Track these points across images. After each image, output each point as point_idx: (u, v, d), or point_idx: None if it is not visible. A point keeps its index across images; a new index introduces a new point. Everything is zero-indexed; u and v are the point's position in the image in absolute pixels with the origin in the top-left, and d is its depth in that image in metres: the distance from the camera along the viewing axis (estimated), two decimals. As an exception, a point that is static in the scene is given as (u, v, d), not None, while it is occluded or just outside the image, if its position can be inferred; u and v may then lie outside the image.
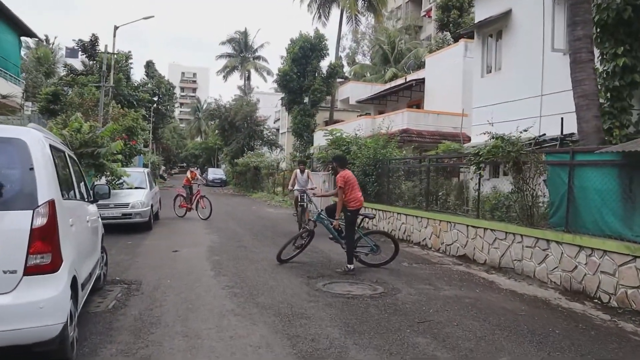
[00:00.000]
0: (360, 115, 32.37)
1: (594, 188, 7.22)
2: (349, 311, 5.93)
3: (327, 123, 37.37)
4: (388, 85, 33.34)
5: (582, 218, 7.44)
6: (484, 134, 8.96)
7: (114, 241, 10.76)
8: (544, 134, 10.23)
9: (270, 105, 51.74)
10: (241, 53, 64.27)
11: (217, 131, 45.86)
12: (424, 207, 11.90)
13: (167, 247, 10.27)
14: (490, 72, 15.80)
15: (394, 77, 39.20)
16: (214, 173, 49.04)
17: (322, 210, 9.22)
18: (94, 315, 5.52)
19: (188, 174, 17.36)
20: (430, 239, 11.27)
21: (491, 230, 9.09)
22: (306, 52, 34.44)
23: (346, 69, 50.80)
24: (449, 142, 18.32)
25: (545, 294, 7.42)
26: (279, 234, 13.12)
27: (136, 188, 13.37)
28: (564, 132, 10.23)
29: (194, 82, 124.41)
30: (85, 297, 5.05)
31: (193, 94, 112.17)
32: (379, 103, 32.34)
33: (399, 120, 22.76)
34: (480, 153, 9.34)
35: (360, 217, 8.97)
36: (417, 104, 27.62)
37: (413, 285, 7.55)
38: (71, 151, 5.43)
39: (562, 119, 10.27)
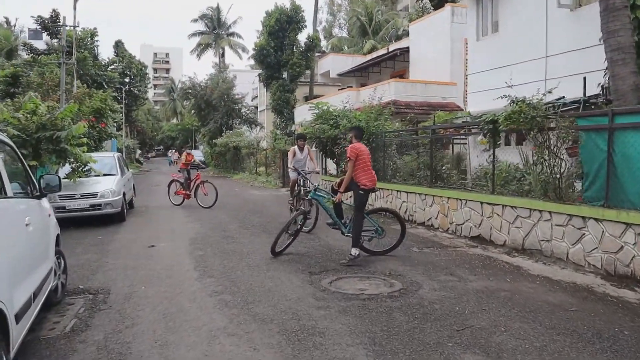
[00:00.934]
0: (342, 89, 31.03)
1: (641, 155, 6.16)
2: (370, 320, 4.79)
3: (307, 98, 35.96)
4: (370, 57, 32.02)
5: (625, 191, 6.38)
6: (502, 97, 7.81)
7: (81, 237, 9.45)
8: (563, 97, 9.14)
9: (247, 82, 49.86)
10: (214, 30, 61.86)
11: (193, 111, 43.94)
12: (428, 184, 10.78)
13: (143, 242, 8.99)
14: (487, 34, 14.63)
15: (373, 49, 37.90)
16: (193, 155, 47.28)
17: (317, 185, 8.05)
18: (45, 343, 4.27)
19: (183, 157, 15.49)
20: (437, 218, 10.18)
21: (512, 207, 8.02)
22: (283, 24, 32.79)
23: (323, 43, 49.25)
24: (442, 113, 17.26)
25: (585, 279, 6.40)
26: (269, 219, 11.92)
27: (105, 175, 11.96)
28: (584, 94, 9.12)
29: (167, 62, 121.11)
30: (29, 324, 3.80)
31: (166, 75, 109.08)
32: (361, 75, 31.10)
33: (385, 91, 21.53)
34: (496, 120, 8.22)
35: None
36: (401, 75, 26.40)
37: (433, 277, 6.45)
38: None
39: (584, 78, 9.18)
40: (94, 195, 10.92)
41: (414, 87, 22.19)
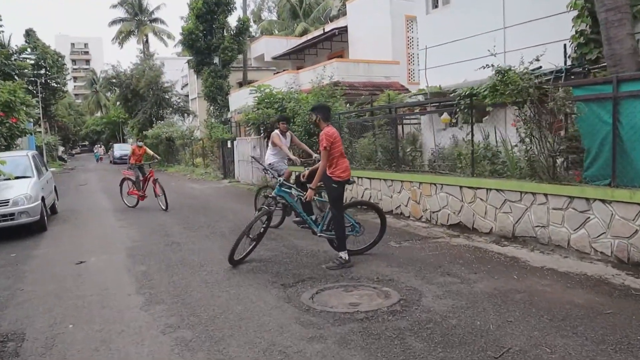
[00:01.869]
0: (277, 73, 29.65)
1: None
2: (382, 352, 3.68)
3: (241, 84, 34.28)
4: (305, 38, 30.76)
5: (635, 167, 5.64)
6: (485, 67, 6.89)
7: (-11, 256, 7.75)
8: (540, 67, 8.36)
9: (175, 70, 47.16)
10: (136, 16, 58.05)
11: (118, 102, 41.00)
12: (394, 168, 9.83)
13: (69, 257, 7.42)
14: (437, 6, 13.80)
15: (305, 31, 36.68)
16: (121, 149, 44.24)
17: (282, 179, 6.84)
18: None
19: (132, 151, 13.10)
20: (407, 206, 9.24)
21: (499, 190, 7.17)
22: (211, 6, 30.83)
23: (253, 28, 47.37)
24: (391, 92, 16.41)
25: (595, 269, 5.64)
26: (216, 217, 10.56)
27: (19, 178, 10.12)
28: (565, 63, 8.39)
29: (87, 53, 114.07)
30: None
31: (87, 67, 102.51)
32: (297, 58, 29.81)
33: (327, 72, 20.43)
34: (474, 94, 7.33)
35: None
36: (340, 56, 25.35)
37: (430, 280, 5.46)
38: None
39: (565, 45, 8.45)
40: (4, 203, 9.13)
41: (356, 67, 21.21)
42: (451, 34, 12.83)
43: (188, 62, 37.57)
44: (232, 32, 32.23)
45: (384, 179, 9.86)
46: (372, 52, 21.96)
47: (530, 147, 6.78)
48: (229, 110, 32.29)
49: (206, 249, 7.48)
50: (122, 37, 58.02)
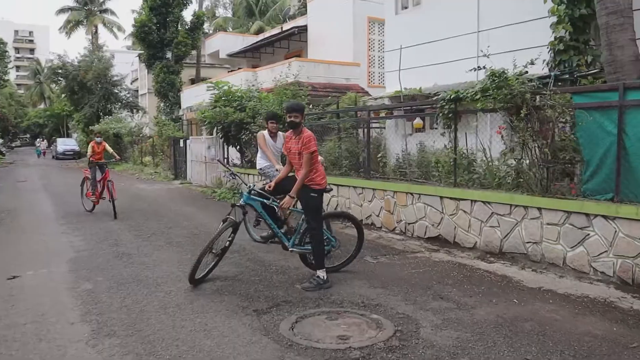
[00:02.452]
0: (231, 71, 28.65)
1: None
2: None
3: (193, 81, 33.08)
4: (263, 36, 29.88)
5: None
6: (477, 69, 6.38)
7: None
8: (527, 72, 7.95)
9: (125, 64, 45.06)
10: (85, 6, 55.15)
11: (64, 95, 38.50)
12: (362, 175, 9.22)
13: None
14: (408, 7, 13.35)
15: (260, 30, 35.79)
16: (65, 144, 41.84)
17: (252, 185, 5.93)
18: None
19: (90, 148, 11.38)
20: (379, 216, 8.64)
21: (485, 202, 6.67)
22: (166, -1, 29.47)
23: (206, 25, 45.99)
24: (352, 94, 15.89)
25: (596, 291, 5.21)
26: (170, 222, 9.63)
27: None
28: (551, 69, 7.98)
29: (31, 41, 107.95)
30: None
31: (31, 56, 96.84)
32: (253, 57, 28.92)
33: (285, 71, 19.71)
34: (460, 97, 6.81)
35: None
36: (298, 56, 24.69)
37: (422, 305, 4.84)
38: None
39: (553, 50, 8.07)
40: None
41: (316, 68, 20.55)
42: (420, 36, 12.40)
43: (139, 55, 35.90)
44: (186, 27, 31.03)
45: (354, 187, 9.23)
46: (332, 53, 21.38)
47: (521, 157, 6.32)
48: (180, 107, 30.99)
49: (162, 261, 6.60)
50: (70, 27, 55.03)
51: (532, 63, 6.34)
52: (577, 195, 5.82)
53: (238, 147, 14.12)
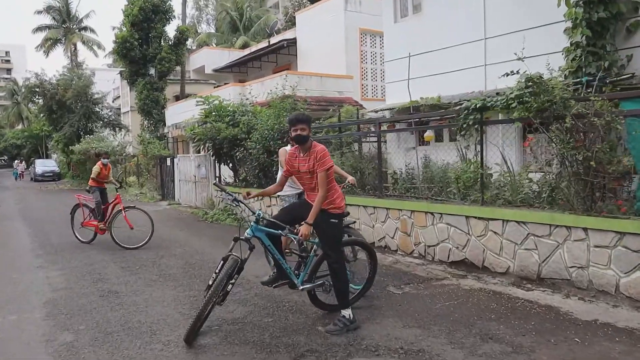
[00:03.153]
0: (217, 87, 27.96)
1: None
2: None
3: (178, 98, 32.26)
4: (249, 50, 29.27)
5: None
6: (510, 74, 5.76)
7: None
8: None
9: (106, 81, 44.00)
10: (64, 24, 54.01)
11: (42, 114, 37.28)
12: (372, 193, 8.54)
13: (-37, 316, 5.48)
14: (407, 15, 12.79)
15: (245, 45, 35.26)
16: (44, 165, 40.47)
17: (260, 213, 4.82)
18: None
19: (96, 170, 9.94)
20: (394, 238, 7.93)
21: (519, 223, 5.99)
22: (148, 14, 28.74)
23: (189, 41, 45.38)
24: (349, 107, 15.30)
25: None
26: (161, 249, 8.79)
27: None
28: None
29: (8, 61, 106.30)
30: None
31: (8, 76, 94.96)
32: (239, 71, 28.29)
33: (282, 84, 19.07)
34: (486, 106, 6.18)
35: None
36: (287, 69, 24.13)
37: (473, 350, 4.10)
38: None
39: (566, 56, 7.49)
40: None
41: (308, 81, 19.92)
42: (422, 45, 11.82)
43: (121, 72, 34.97)
44: (170, 42, 30.24)
45: (364, 206, 8.51)
46: (323, 66, 20.82)
47: (560, 171, 5.68)
48: (165, 125, 30.12)
49: (155, 301, 5.76)
50: (48, 45, 53.86)
51: (508, 74, 5.72)
52: (629, 214, 5.18)
53: (231, 164, 13.36)
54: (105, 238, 9.56)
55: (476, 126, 6.50)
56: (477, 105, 6.28)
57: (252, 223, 4.70)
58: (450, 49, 11.15)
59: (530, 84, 5.43)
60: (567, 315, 4.89)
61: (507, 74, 5.80)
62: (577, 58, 7.91)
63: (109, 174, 10.17)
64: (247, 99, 13.52)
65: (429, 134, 9.37)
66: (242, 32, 42.24)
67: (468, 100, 6.47)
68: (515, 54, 6.07)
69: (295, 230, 4.78)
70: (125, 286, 6.43)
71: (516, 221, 6.01)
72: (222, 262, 4.51)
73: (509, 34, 9.97)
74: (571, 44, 8.00)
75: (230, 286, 4.54)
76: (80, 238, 9.82)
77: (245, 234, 4.64)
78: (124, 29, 29.58)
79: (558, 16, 8.22)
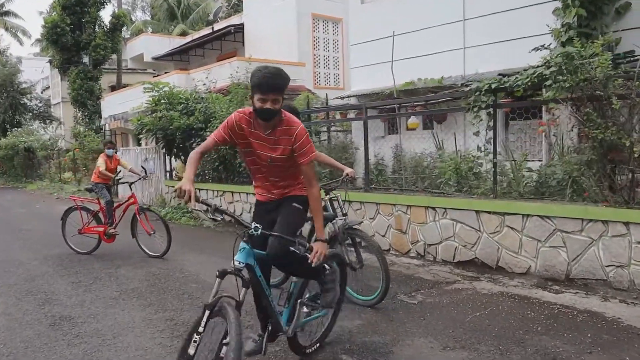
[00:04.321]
0: (156, 76, 26.28)
1: None
2: None
3: (114, 88, 30.14)
4: (190, 38, 27.66)
5: None
6: (538, 49, 5.06)
7: None
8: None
9: (34, 70, 40.60)
10: (-17, 9, 49.78)
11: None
12: (363, 187, 7.71)
13: None
14: (376, -5, 12.00)
15: (184, 34, 33.52)
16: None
17: (255, 226, 2.96)
18: None
19: (102, 162, 7.97)
20: (386, 236, 7.13)
21: (543, 217, 5.34)
22: (80, -4, 26.49)
23: (124, 29, 42.84)
24: (306, 93, 14.42)
25: None
26: (115, 257, 7.52)
27: None
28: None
29: None
30: None
31: None
32: (181, 60, 26.73)
33: (225, 72, 17.84)
34: (503, 86, 5.47)
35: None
36: (232, 57, 22.88)
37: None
38: None
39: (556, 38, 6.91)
40: None
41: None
42: (394, 27, 11.08)
43: (50, 61, 32.27)
44: (105, 28, 28.08)
45: (349, 201, 7.65)
46: (273, 53, 19.75)
47: (590, 159, 5.05)
48: (101, 117, 28.02)
49: (123, 328, 4.60)
50: (-37, 31, 49.34)
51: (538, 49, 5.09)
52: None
53: (184, 157, 12.18)
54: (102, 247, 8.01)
55: (489, 110, 5.78)
56: (492, 86, 5.56)
57: (242, 244, 3.01)
58: (425, 30, 10.46)
59: (565, 60, 4.73)
60: (617, 323, 4.27)
61: (537, 49, 5.08)
62: (568, 40, 7.38)
63: (116, 168, 8.33)
64: (204, 84, 12.29)
65: (413, 121, 8.63)
66: (180, 19, 40.30)
67: (479, 81, 5.74)
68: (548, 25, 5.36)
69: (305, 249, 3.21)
70: (80, 308, 5.23)
71: (540, 216, 5.35)
72: (207, 312, 2.78)
73: (490, 14, 9.42)
74: (562, 25, 7.48)
75: (224, 348, 2.73)
76: (76, 248, 7.93)
77: (235, 262, 2.94)
78: (54, 12, 27.17)
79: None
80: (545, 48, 5.23)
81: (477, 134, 6.00)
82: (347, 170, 5.23)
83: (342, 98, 12.24)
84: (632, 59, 6.00)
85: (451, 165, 6.74)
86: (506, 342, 3.95)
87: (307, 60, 19.73)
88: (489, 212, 5.80)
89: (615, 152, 4.80)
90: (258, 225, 2.94)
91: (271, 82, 2.98)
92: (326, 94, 11.88)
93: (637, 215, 4.65)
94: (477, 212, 5.93)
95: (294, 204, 3.36)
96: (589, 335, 4.03)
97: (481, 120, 5.92)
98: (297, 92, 16.12)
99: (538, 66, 5.14)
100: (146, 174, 8.74)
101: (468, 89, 5.93)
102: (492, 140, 5.86)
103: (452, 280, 5.79)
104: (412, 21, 10.60)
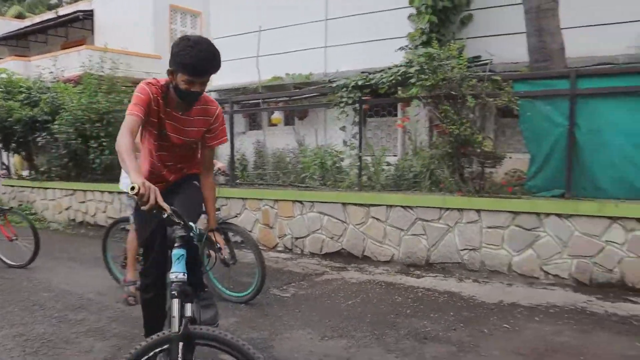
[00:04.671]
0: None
1: (620, 130, 4.71)
2: None
3: None
4: (30, 22, 24.85)
5: (593, 177, 4.88)
6: (402, 49, 5.33)
7: None
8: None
9: None
10: None
11: None
12: (228, 182, 7.53)
13: None
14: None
15: (20, 16, 30.12)
16: None
17: (198, 229, 2.42)
18: None
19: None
20: (253, 231, 7.04)
21: (406, 208, 5.68)
22: None
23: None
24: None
25: (558, 297, 4.70)
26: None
27: None
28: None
29: None
30: None
31: None
32: (18, 45, 24.05)
33: (74, 61, 16.39)
34: (368, 83, 5.72)
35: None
36: (79, 46, 21.06)
37: (420, 356, 3.57)
38: None
39: (411, 41, 7.46)
40: None
41: (110, 59, 17.56)
42: (259, 22, 11.04)
43: None
44: None
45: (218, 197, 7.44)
46: (127, 44, 18.57)
47: (446, 152, 5.49)
48: None
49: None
50: None
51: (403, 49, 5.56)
52: (515, 194, 5.22)
53: (25, 153, 10.91)
54: None
55: (355, 106, 6.00)
56: (357, 83, 5.78)
57: (179, 251, 2.32)
58: (289, 28, 10.57)
59: (427, 60, 5.07)
60: (473, 300, 4.71)
61: (402, 48, 5.39)
62: (422, 44, 8.00)
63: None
64: (51, 72, 11.07)
65: (277, 117, 8.67)
66: (16, 1, 36.08)
67: (346, 78, 5.94)
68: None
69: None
70: None
71: (402, 206, 5.69)
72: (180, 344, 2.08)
73: (351, 16, 9.81)
74: (416, 30, 8.07)
75: None
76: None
77: (176, 276, 2.26)
78: None
79: (403, 2, 8.25)
80: (411, 49, 5.56)
81: (343, 129, 6.20)
82: (219, 164, 5.06)
83: (209, 92, 11.88)
84: (479, 63, 6.62)
85: (316, 160, 6.89)
86: (380, 326, 4.11)
87: (164, 53, 18.85)
88: (355, 204, 6.03)
89: (468, 146, 5.26)
90: (200, 227, 2.45)
91: (207, 66, 2.52)
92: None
93: (487, 203, 5.16)
94: (343, 204, 6.13)
95: (195, 182, 3.06)
96: (452, 313, 4.37)
97: (347, 115, 6.13)
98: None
99: (402, 65, 5.45)
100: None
101: (335, 85, 6.09)
102: (357, 135, 6.08)
103: (321, 272, 5.90)
104: (278, 17, 10.65)
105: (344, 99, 5.97)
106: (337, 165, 6.98)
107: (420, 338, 3.85)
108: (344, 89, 5.94)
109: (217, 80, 11.85)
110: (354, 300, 4.83)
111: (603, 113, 4.71)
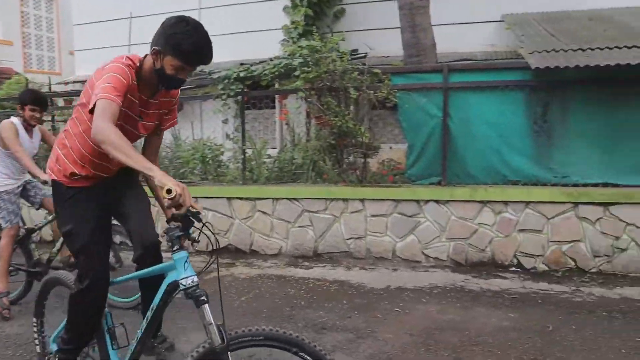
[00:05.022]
0: None
1: (486, 121, 5.17)
2: None
3: None
4: None
5: (465, 164, 5.32)
6: (286, 41, 5.28)
7: None
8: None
9: None
10: None
11: None
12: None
13: None
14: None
15: None
16: None
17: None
18: None
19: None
20: (132, 231, 6.60)
21: (291, 200, 5.69)
22: None
23: None
24: (21, 77, 12.44)
25: (439, 278, 5.08)
26: None
27: None
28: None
29: None
30: None
31: None
32: None
33: None
34: (254, 77, 5.62)
35: None
36: None
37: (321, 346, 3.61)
38: None
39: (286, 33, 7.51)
40: None
41: (-57, 44, 15.35)
42: (129, 8, 10.30)
43: None
44: None
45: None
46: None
47: (329, 143, 5.60)
48: None
49: None
50: None
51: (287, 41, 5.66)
52: (396, 182, 5.50)
53: None
54: None
55: (237, 98, 5.87)
56: (241, 75, 5.65)
57: (183, 254, 2.15)
58: (156, 16, 9.98)
59: (310, 52, 5.11)
60: (363, 287, 4.87)
61: (286, 40, 5.36)
62: (297, 37, 8.08)
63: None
64: None
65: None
66: None
67: (228, 70, 5.77)
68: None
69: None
70: None
71: (288, 198, 5.70)
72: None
73: (226, 5, 9.57)
74: (292, 22, 8.13)
75: None
76: None
77: (192, 280, 2.15)
78: None
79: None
80: (292, 41, 5.55)
81: (226, 121, 6.07)
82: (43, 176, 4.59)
83: (67, 84, 10.83)
84: (356, 56, 6.83)
85: (195, 154, 6.64)
86: (277, 320, 4.08)
87: (16, 39, 16.89)
88: (241, 199, 5.91)
89: (350, 137, 5.40)
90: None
91: (208, 55, 2.23)
92: (49, 78, 10.28)
93: (370, 193, 5.37)
94: (228, 199, 5.98)
95: (137, 178, 2.81)
96: (344, 302, 4.48)
97: (229, 108, 5.97)
98: (5, 75, 13.66)
99: (284, 57, 5.43)
100: None
101: (217, 76, 5.89)
102: (239, 128, 5.96)
103: (209, 269, 5.70)
104: (149, 4, 10.02)
105: (226, 91, 5.79)
106: (217, 159, 6.79)
107: (318, 328, 3.89)
108: (226, 80, 5.76)
109: (82, 71, 10.94)
110: (247, 296, 4.74)
111: (472, 106, 5.13)
